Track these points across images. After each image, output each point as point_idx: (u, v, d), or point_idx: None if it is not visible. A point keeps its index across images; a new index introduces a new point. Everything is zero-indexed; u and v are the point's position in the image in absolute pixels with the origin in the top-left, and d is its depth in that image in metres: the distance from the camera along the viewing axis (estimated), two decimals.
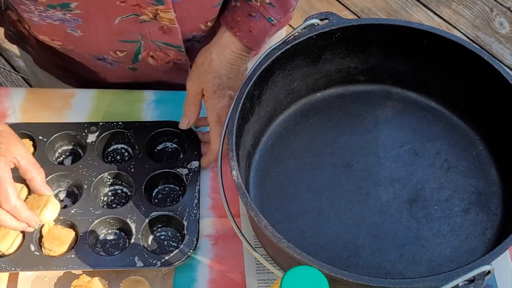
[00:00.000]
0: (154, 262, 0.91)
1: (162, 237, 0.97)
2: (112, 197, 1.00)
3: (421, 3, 2.41)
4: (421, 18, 2.36)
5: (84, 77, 1.16)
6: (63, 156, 1.04)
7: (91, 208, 0.96)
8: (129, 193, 1.00)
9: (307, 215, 0.92)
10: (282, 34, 1.13)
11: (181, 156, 1.04)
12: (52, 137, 1.02)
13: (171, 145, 1.06)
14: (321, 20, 0.93)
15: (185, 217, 0.95)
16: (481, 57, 0.91)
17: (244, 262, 0.94)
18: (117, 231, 0.97)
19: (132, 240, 0.93)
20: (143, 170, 1.00)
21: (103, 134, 1.03)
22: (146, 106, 1.11)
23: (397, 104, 1.02)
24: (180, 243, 0.94)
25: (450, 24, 2.36)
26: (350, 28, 0.94)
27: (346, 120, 1.01)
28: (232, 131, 0.86)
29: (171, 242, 0.96)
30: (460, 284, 0.75)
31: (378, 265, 0.88)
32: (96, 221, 0.95)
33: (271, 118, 1.00)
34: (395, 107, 1.02)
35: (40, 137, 1.02)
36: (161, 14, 0.95)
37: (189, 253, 0.92)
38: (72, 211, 0.96)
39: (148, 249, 0.94)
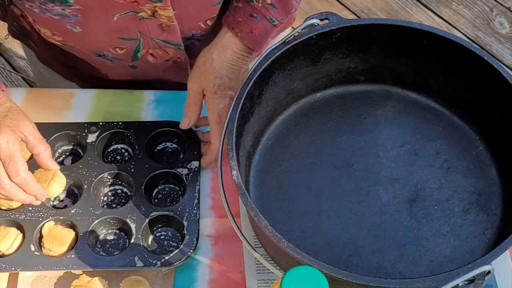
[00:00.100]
0: (154, 262, 0.91)
1: (162, 237, 0.97)
2: (112, 197, 1.00)
3: (421, 3, 2.41)
4: (421, 18, 2.36)
5: (85, 74, 1.16)
6: (63, 156, 1.04)
7: (91, 208, 0.96)
8: (129, 193, 1.00)
9: (307, 215, 0.92)
10: (283, 34, 1.13)
11: (181, 156, 1.04)
12: (52, 137, 1.02)
13: (171, 145, 1.06)
14: (321, 20, 0.93)
15: (185, 217, 0.95)
16: (481, 57, 0.91)
17: (244, 262, 0.94)
18: (117, 231, 0.97)
19: (132, 240, 0.93)
20: (143, 170, 1.00)
21: (103, 134, 1.03)
22: (146, 106, 1.11)
23: (397, 104, 1.02)
24: (180, 243, 0.94)
25: (450, 24, 2.36)
26: (350, 28, 0.94)
27: (346, 120, 1.01)
28: (232, 131, 0.86)
29: (171, 242, 0.96)
30: (460, 284, 0.75)
31: (378, 265, 0.88)
32: (96, 221, 0.95)
33: (271, 118, 1.00)
34: (395, 107, 1.02)
35: None
36: (159, 11, 0.95)
37: (189, 253, 0.92)
38: (72, 211, 0.96)
39: (148, 249, 0.94)
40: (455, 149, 0.98)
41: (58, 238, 0.93)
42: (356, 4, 2.41)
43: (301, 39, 0.92)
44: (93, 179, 0.99)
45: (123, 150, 1.05)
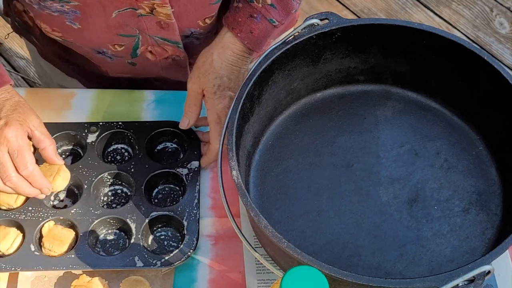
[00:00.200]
0: (154, 262, 0.91)
1: (162, 237, 0.97)
2: (112, 197, 1.00)
3: (421, 3, 2.41)
4: (421, 18, 2.36)
5: (86, 70, 1.17)
6: (63, 156, 1.04)
7: (91, 208, 0.96)
8: (129, 193, 1.00)
9: (307, 215, 0.92)
10: (283, 34, 1.13)
11: (181, 156, 1.04)
12: (52, 137, 1.02)
13: (171, 145, 1.06)
14: (321, 20, 0.93)
15: (185, 217, 0.95)
16: (481, 57, 0.91)
17: (244, 262, 0.94)
18: (117, 231, 0.97)
19: (132, 240, 0.93)
20: (143, 170, 1.00)
21: (103, 134, 1.03)
22: (146, 106, 1.11)
23: (397, 104, 1.02)
24: (180, 243, 0.94)
25: (450, 24, 2.36)
26: (350, 28, 0.94)
27: (346, 120, 1.01)
28: (232, 131, 0.86)
29: (171, 242, 0.96)
30: (460, 284, 0.75)
31: (378, 265, 0.88)
32: (96, 221, 0.95)
33: (271, 118, 1.00)
34: (395, 107, 1.02)
35: None
36: (157, 8, 0.95)
37: (189, 253, 0.92)
38: (72, 211, 0.96)
39: (148, 249, 0.94)
40: (455, 149, 0.98)
41: (58, 238, 0.93)
42: (356, 4, 2.41)
43: (301, 39, 0.92)
44: (93, 179, 0.99)
45: (123, 150, 1.05)
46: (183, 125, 1.02)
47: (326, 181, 0.95)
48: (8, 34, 2.16)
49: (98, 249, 0.95)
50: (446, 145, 0.98)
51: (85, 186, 0.98)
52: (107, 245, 0.96)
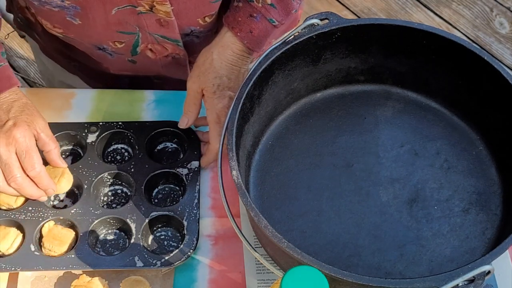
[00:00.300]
0: (154, 262, 0.91)
1: (162, 237, 0.97)
2: (112, 197, 1.00)
3: (421, 3, 2.41)
4: (421, 18, 2.36)
5: (88, 67, 1.17)
6: (63, 156, 1.04)
7: (91, 208, 0.96)
8: (129, 193, 1.00)
9: (307, 215, 0.92)
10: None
11: (181, 156, 1.04)
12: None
13: (171, 145, 1.06)
14: (321, 20, 0.93)
15: (185, 217, 0.95)
16: (481, 57, 0.91)
17: (244, 262, 0.94)
18: (117, 231, 0.97)
19: (132, 240, 0.93)
20: (143, 170, 1.00)
21: (103, 134, 1.03)
22: (146, 106, 1.11)
23: (397, 104, 1.02)
24: (180, 243, 0.94)
25: (450, 24, 2.36)
26: (350, 28, 0.94)
27: (346, 120, 1.01)
28: (232, 131, 0.86)
29: (171, 242, 0.96)
30: (460, 284, 0.75)
31: (378, 265, 0.88)
32: (96, 221, 0.95)
33: (271, 118, 1.00)
34: (395, 107, 1.02)
35: None
36: (157, 6, 0.96)
37: (189, 253, 0.92)
38: (72, 211, 0.96)
39: (148, 249, 0.94)
40: (455, 149, 0.98)
41: (58, 238, 0.93)
42: (356, 4, 2.41)
43: (301, 39, 0.92)
44: (93, 179, 0.99)
45: (123, 150, 1.05)
46: (182, 124, 1.02)
47: (326, 181, 0.95)
48: (8, 34, 2.16)
49: (98, 249, 0.95)
50: (446, 145, 0.98)
51: (85, 186, 0.98)
52: (107, 245, 0.96)
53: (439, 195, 0.94)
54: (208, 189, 1.02)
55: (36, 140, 0.93)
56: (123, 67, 1.14)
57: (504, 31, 2.34)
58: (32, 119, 0.93)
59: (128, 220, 0.95)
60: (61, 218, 0.95)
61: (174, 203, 0.98)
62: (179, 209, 0.96)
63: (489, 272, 0.76)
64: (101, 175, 0.99)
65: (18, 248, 0.93)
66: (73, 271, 0.92)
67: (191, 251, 0.93)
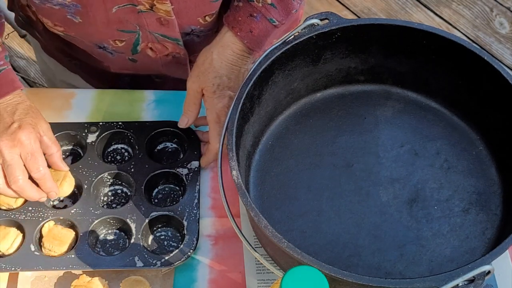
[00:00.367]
0: (154, 262, 0.91)
1: (162, 237, 0.97)
2: (112, 197, 1.00)
3: (421, 3, 2.41)
4: (421, 18, 2.36)
5: (88, 65, 1.18)
6: (63, 156, 1.04)
7: (91, 208, 0.96)
8: (129, 193, 1.00)
9: (307, 215, 0.92)
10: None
11: (181, 156, 1.04)
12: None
13: (171, 145, 1.06)
14: (321, 20, 0.93)
15: (185, 217, 0.95)
16: (481, 57, 0.91)
17: (244, 262, 0.94)
18: (117, 231, 0.97)
19: (132, 240, 0.93)
20: (143, 170, 1.00)
21: (103, 134, 1.03)
22: (146, 106, 1.11)
23: (397, 104, 1.02)
24: (180, 243, 0.94)
25: (450, 24, 2.36)
26: (350, 28, 0.94)
27: (346, 120, 1.01)
28: (232, 131, 0.86)
29: (171, 242, 0.96)
30: (460, 284, 0.75)
31: (378, 265, 0.88)
32: (96, 221, 0.95)
33: (271, 118, 1.00)
34: (395, 107, 1.02)
35: None
36: (157, 5, 0.96)
37: (189, 253, 0.92)
38: (72, 211, 0.96)
39: (148, 249, 0.94)
40: (455, 149, 0.98)
41: (58, 238, 0.93)
42: (356, 4, 2.41)
43: (301, 39, 0.92)
44: (93, 179, 0.99)
45: (123, 150, 1.05)
46: (182, 124, 1.02)
47: (326, 181, 0.95)
48: (8, 34, 2.16)
49: (98, 249, 0.95)
50: (446, 145, 0.98)
51: (85, 186, 0.98)
52: (107, 245, 0.96)
53: (439, 195, 0.94)
54: (208, 189, 1.02)
55: (40, 143, 0.93)
56: (123, 66, 1.14)
57: (504, 31, 2.34)
58: (36, 121, 0.93)
59: (128, 220, 0.95)
60: (61, 218, 0.95)
61: (174, 203, 0.98)
62: (179, 209, 0.96)
63: (489, 272, 0.76)
64: (101, 175, 0.99)
65: (18, 248, 0.93)
66: (73, 271, 0.92)
67: (191, 251, 0.93)
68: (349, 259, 0.89)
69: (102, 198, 1.00)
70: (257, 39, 0.98)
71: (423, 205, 0.93)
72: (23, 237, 0.94)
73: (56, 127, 1.03)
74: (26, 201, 0.96)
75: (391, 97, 1.03)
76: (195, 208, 0.96)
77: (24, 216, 0.95)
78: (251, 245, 0.83)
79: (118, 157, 1.04)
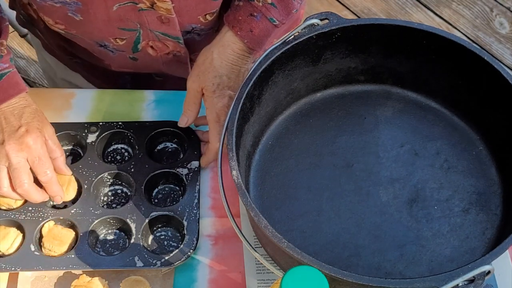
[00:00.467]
0: (154, 262, 0.91)
1: (162, 237, 0.97)
2: (112, 197, 1.00)
3: (421, 3, 2.41)
4: (421, 18, 2.36)
5: (89, 64, 1.18)
6: None
7: (91, 208, 0.96)
8: (129, 193, 1.00)
9: (307, 215, 0.92)
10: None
11: (181, 156, 1.04)
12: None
13: (171, 145, 1.06)
14: (321, 20, 0.93)
15: (185, 217, 0.95)
16: (481, 57, 0.91)
17: (244, 262, 0.94)
18: (117, 231, 0.97)
19: (132, 240, 0.93)
20: (143, 170, 1.00)
21: (103, 134, 1.03)
22: (146, 106, 1.11)
23: (397, 104, 1.02)
24: (180, 243, 0.94)
25: (450, 24, 2.36)
26: (350, 28, 0.94)
27: (346, 120, 1.01)
28: (232, 131, 0.86)
29: (171, 242, 0.96)
30: (460, 284, 0.75)
31: (378, 265, 0.88)
32: (96, 221, 0.95)
33: (271, 118, 1.00)
34: (395, 107, 1.02)
35: None
36: (158, 3, 0.96)
37: (189, 253, 0.92)
38: (72, 211, 0.96)
39: (148, 249, 0.94)
40: (455, 149, 0.98)
41: (58, 238, 0.93)
42: (356, 4, 2.41)
43: (301, 39, 0.92)
44: (93, 179, 0.99)
45: (123, 150, 1.05)
46: (182, 123, 1.02)
47: (326, 181, 0.95)
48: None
49: (98, 249, 0.95)
50: (446, 145, 0.98)
51: (85, 186, 0.98)
52: (107, 245, 0.96)
53: (439, 195, 0.94)
54: (208, 189, 1.02)
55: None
56: (124, 64, 1.14)
57: (504, 31, 2.34)
58: (42, 125, 0.94)
59: (128, 220, 0.95)
60: (61, 218, 0.95)
61: (174, 203, 0.98)
62: (179, 209, 0.96)
63: (489, 272, 0.76)
64: (101, 175, 0.99)
65: (18, 248, 0.93)
66: (73, 271, 0.92)
67: (191, 251, 0.93)
68: (349, 259, 0.89)
69: (102, 198, 1.00)
70: (258, 38, 0.98)
71: (423, 205, 0.93)
72: (23, 237, 0.94)
73: (56, 127, 1.03)
74: (26, 201, 0.96)
75: (391, 97, 1.03)
76: (195, 208, 0.96)
77: (24, 216, 0.95)
78: (251, 245, 0.83)
79: (118, 157, 1.04)
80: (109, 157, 1.04)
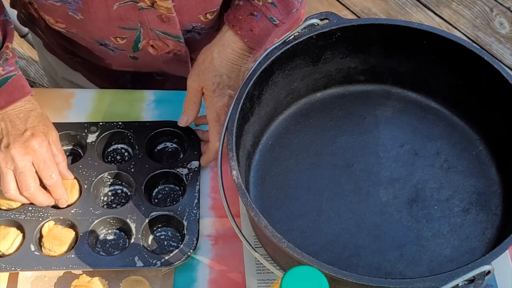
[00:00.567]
0: (154, 262, 0.91)
1: (162, 237, 0.97)
2: (112, 197, 1.00)
3: (421, 3, 2.41)
4: (421, 18, 2.36)
5: (91, 63, 1.18)
6: None
7: (91, 208, 0.96)
8: (129, 193, 1.00)
9: (307, 215, 0.92)
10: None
11: (181, 156, 1.04)
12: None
13: (171, 145, 1.06)
14: (321, 20, 0.93)
15: (185, 217, 0.95)
16: (481, 57, 0.91)
17: (244, 262, 0.94)
18: (117, 231, 0.97)
19: (132, 240, 0.93)
20: (143, 170, 1.00)
21: (103, 134, 1.03)
22: (146, 106, 1.11)
23: (397, 104, 1.02)
24: (180, 243, 0.94)
25: (450, 24, 2.36)
26: (350, 28, 0.94)
27: (346, 120, 1.01)
28: (232, 131, 0.86)
29: (171, 242, 0.96)
30: (460, 284, 0.75)
31: (378, 265, 0.88)
32: (96, 221, 0.95)
33: (271, 118, 1.00)
34: (395, 107, 1.02)
35: None
36: (158, 2, 0.96)
37: (189, 253, 0.92)
38: (72, 211, 0.96)
39: (148, 249, 0.94)
40: (455, 149, 0.98)
41: (58, 238, 0.93)
42: (356, 4, 2.41)
43: (301, 39, 0.92)
44: (93, 179, 0.99)
45: (123, 150, 1.05)
46: (182, 123, 1.02)
47: (326, 181, 0.95)
48: None
49: (98, 249, 0.95)
50: (446, 145, 0.98)
51: (85, 186, 0.98)
52: (107, 245, 0.96)
53: (439, 195, 0.94)
54: (208, 189, 1.02)
55: None
56: (125, 63, 1.14)
57: (504, 31, 2.34)
58: (47, 130, 0.95)
59: (128, 220, 0.95)
60: (61, 218, 0.95)
61: (174, 203, 0.98)
62: (179, 209, 0.96)
63: (489, 272, 0.76)
64: (101, 175, 0.99)
65: (18, 248, 0.93)
66: (73, 271, 0.92)
67: (191, 251, 0.93)
68: (349, 259, 0.89)
69: (102, 198, 1.00)
70: (258, 38, 0.98)
71: (423, 205, 0.93)
72: (23, 237, 0.94)
73: (56, 127, 1.03)
74: None
75: (391, 97, 1.03)
76: (195, 208, 0.96)
77: (24, 216, 0.95)
78: (251, 245, 0.83)
79: (118, 157, 1.04)
80: (109, 157, 1.04)
